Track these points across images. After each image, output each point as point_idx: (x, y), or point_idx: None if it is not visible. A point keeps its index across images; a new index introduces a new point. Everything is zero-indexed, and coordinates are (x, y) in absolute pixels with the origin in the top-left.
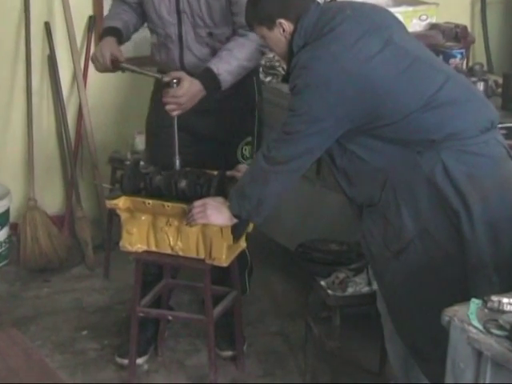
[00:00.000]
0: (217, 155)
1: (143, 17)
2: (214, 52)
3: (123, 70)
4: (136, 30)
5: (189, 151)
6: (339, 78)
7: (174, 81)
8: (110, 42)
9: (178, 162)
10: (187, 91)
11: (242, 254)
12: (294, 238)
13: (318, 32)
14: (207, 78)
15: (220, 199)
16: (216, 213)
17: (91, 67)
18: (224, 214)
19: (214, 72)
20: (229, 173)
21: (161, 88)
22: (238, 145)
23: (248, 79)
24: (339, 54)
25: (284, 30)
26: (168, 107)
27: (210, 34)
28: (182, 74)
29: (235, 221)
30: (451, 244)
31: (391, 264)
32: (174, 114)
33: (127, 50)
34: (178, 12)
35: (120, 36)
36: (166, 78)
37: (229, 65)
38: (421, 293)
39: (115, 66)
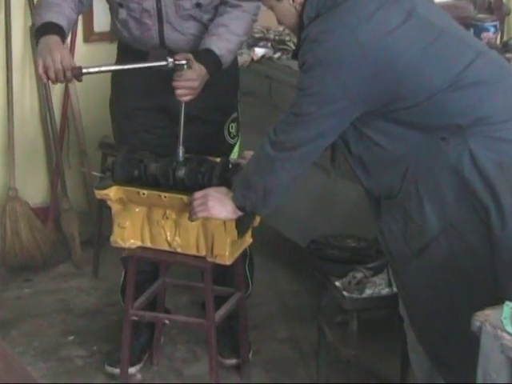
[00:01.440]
0: (201, 136)
1: (83, 6)
2: (200, 25)
3: (87, 74)
4: (73, 26)
5: (166, 133)
6: (354, 52)
7: (184, 62)
8: (58, 43)
9: (181, 153)
10: (200, 75)
11: None
12: (306, 233)
13: (331, 2)
14: (209, 60)
15: (223, 189)
16: (218, 205)
17: (79, 38)
18: (227, 207)
19: (215, 53)
20: (233, 160)
21: (150, 70)
22: (224, 123)
23: None
24: (354, 26)
25: (294, 0)
26: (180, 92)
27: (198, 5)
28: (190, 55)
29: (240, 214)
30: (479, 241)
31: (412, 263)
32: (186, 99)
33: None
34: None
35: (62, 35)
36: (179, 57)
37: (229, 43)
38: (446, 295)
39: (77, 75)
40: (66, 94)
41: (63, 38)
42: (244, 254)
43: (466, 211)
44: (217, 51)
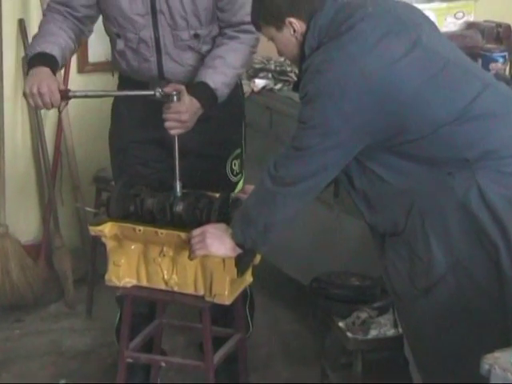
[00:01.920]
0: (201, 171)
1: (84, 34)
2: (199, 56)
3: (76, 98)
4: (71, 55)
5: (164, 167)
6: (357, 83)
7: (174, 93)
8: (46, 72)
9: (178, 187)
10: (189, 107)
11: None
12: (308, 271)
13: (333, 31)
14: (204, 94)
15: (222, 226)
16: (217, 242)
17: (73, 69)
18: (226, 244)
19: (210, 87)
20: (234, 195)
21: (147, 101)
22: (226, 159)
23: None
24: (358, 55)
25: (295, 31)
26: (168, 124)
27: (196, 36)
28: (181, 87)
29: (239, 251)
30: (489, 280)
31: (418, 303)
32: (175, 132)
33: None
34: (154, 12)
35: (55, 68)
36: (168, 89)
37: (225, 76)
38: (453, 336)
39: (65, 96)
40: (59, 126)
41: (55, 68)
42: (244, 295)
43: (475, 248)
44: (211, 84)
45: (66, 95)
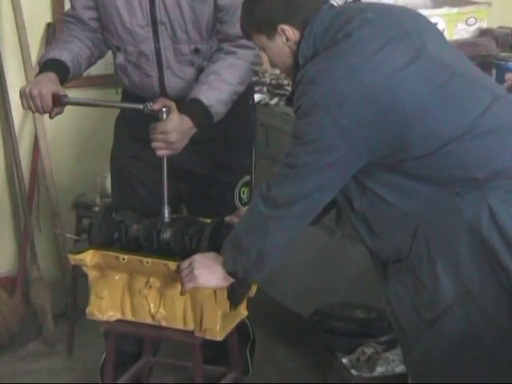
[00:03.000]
0: (207, 198)
1: (105, 44)
2: (201, 72)
3: (70, 104)
4: (91, 63)
5: (171, 193)
6: (356, 94)
7: (164, 109)
8: (49, 77)
9: (166, 212)
10: (177, 127)
11: (241, 325)
12: (308, 303)
13: (329, 39)
14: (197, 111)
15: (211, 255)
16: (206, 272)
17: None
18: (216, 274)
19: (204, 104)
20: (228, 218)
21: (137, 118)
22: (234, 186)
23: (243, 102)
24: (356, 65)
25: (288, 39)
26: (155, 145)
27: (196, 51)
28: (172, 103)
29: (231, 280)
30: (500, 310)
31: (424, 336)
32: (161, 153)
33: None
34: (154, 23)
35: (64, 73)
36: (156, 106)
37: (220, 92)
38: (461, 372)
39: (58, 102)
40: (36, 148)
41: (64, 73)
42: (246, 336)
43: (485, 275)
44: (205, 101)
45: (58, 100)
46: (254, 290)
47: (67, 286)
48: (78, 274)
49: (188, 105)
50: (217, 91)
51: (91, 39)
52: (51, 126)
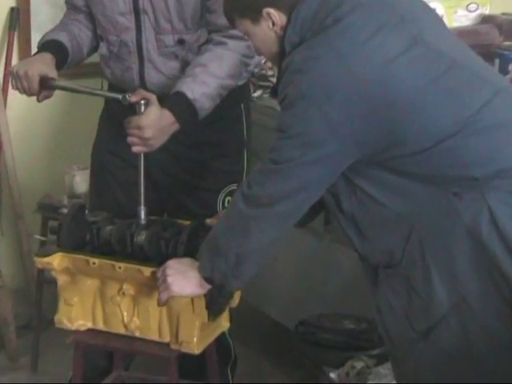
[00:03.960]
0: (188, 207)
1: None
2: (185, 66)
3: (56, 89)
4: (94, 48)
5: (151, 197)
6: (345, 85)
7: (143, 102)
8: (42, 58)
9: (142, 213)
10: (153, 122)
11: (222, 342)
12: (293, 313)
13: (318, 24)
14: (179, 105)
15: (186, 260)
16: (180, 279)
17: None
18: (191, 280)
19: (187, 97)
20: (209, 221)
21: (121, 111)
22: (217, 193)
23: (235, 105)
24: (346, 53)
25: (274, 24)
26: (129, 140)
27: (181, 42)
28: (152, 96)
29: (208, 287)
30: (498, 321)
31: (416, 348)
32: (136, 150)
33: None
34: (137, 12)
35: (62, 53)
36: (133, 98)
37: (206, 86)
38: None
39: (45, 85)
40: None
41: (63, 56)
42: (227, 354)
43: (483, 284)
44: (189, 95)
45: (45, 83)
46: (236, 299)
47: (32, 294)
48: (44, 280)
49: (170, 98)
50: (202, 85)
51: (92, 21)
52: (15, 120)
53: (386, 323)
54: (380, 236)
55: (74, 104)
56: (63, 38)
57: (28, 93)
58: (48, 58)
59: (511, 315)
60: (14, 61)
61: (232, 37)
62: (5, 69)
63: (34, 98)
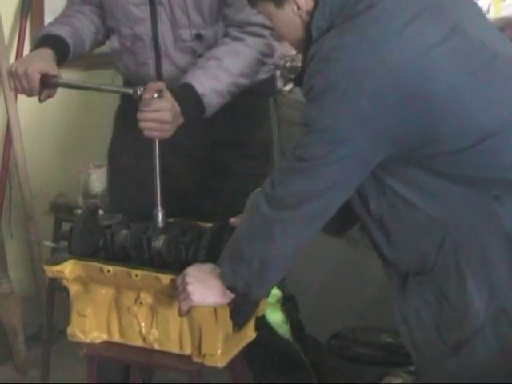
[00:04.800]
0: (209, 209)
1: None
2: None
3: (59, 86)
4: (98, 42)
5: (171, 200)
6: (379, 76)
7: (156, 95)
8: (42, 54)
9: (160, 216)
10: (172, 106)
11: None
12: (326, 325)
13: (349, 10)
14: (187, 98)
15: (207, 267)
16: (201, 288)
17: None
18: (213, 289)
19: (195, 90)
20: (233, 220)
21: (137, 108)
22: (240, 197)
23: (257, 101)
24: (380, 41)
25: (299, 7)
26: (144, 125)
27: (198, 37)
28: (163, 85)
29: (231, 296)
30: None
31: (448, 363)
32: (152, 134)
33: None
34: (152, 2)
35: (63, 49)
36: (146, 95)
37: (217, 81)
38: None
39: (46, 83)
40: (7, 138)
41: (63, 51)
42: None
43: None
44: (198, 88)
45: (45, 81)
46: (263, 307)
47: (42, 302)
48: (56, 288)
49: (179, 90)
50: (213, 79)
51: (97, 14)
52: (26, 114)
53: (413, 335)
54: (410, 241)
55: (90, 96)
56: (64, 32)
57: (28, 92)
58: (48, 53)
59: None
60: (26, 50)
61: (250, 33)
62: (16, 58)
63: None
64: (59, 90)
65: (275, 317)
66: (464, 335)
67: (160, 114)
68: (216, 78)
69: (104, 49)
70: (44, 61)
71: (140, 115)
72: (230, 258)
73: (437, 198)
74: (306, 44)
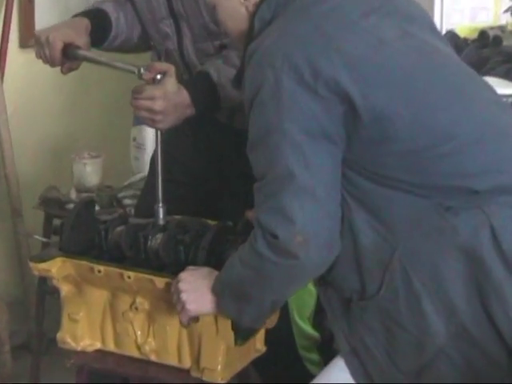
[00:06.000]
0: (224, 211)
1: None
2: None
3: (79, 59)
4: (129, 41)
5: (189, 202)
6: (334, 62)
7: (158, 76)
8: (73, 23)
9: (161, 212)
10: (169, 95)
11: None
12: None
13: (298, 3)
14: (200, 87)
15: (202, 271)
16: (195, 295)
17: (15, 42)
18: (210, 295)
19: (211, 79)
20: (250, 214)
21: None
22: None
23: None
24: (335, 34)
25: None
26: (139, 113)
27: (223, 48)
28: (170, 67)
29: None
30: (495, 345)
31: None
32: (147, 125)
33: None
34: (174, 16)
35: (103, 23)
36: (148, 75)
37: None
38: None
39: (67, 54)
40: None
41: (104, 27)
42: None
43: (478, 307)
44: (214, 77)
45: (69, 52)
46: (274, 319)
47: (31, 307)
48: (46, 291)
49: (193, 78)
50: (233, 69)
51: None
52: (14, 95)
53: (366, 367)
54: (351, 258)
55: (86, 77)
56: (110, 8)
57: (50, 62)
58: (82, 23)
59: (501, 340)
60: (14, 25)
61: None
62: (2, 35)
63: (35, 69)
64: (47, 68)
65: (311, 358)
66: (424, 359)
67: (151, 103)
68: (236, 68)
69: None
70: (71, 29)
71: (132, 102)
72: (233, 297)
73: (384, 210)
74: (247, 38)
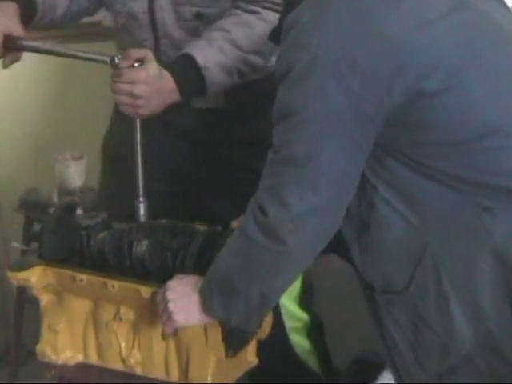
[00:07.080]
0: (217, 212)
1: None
2: None
3: (25, 50)
4: (73, 12)
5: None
6: (374, 51)
7: (136, 65)
8: (4, 9)
9: (142, 208)
10: (151, 78)
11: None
12: (344, 348)
13: None
14: (185, 70)
15: (191, 279)
16: (184, 306)
17: None
18: (198, 305)
19: (196, 63)
20: (236, 224)
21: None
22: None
23: None
24: (377, 11)
25: None
26: (116, 98)
27: (199, 16)
28: (148, 53)
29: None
30: None
31: None
32: (126, 111)
33: None
34: None
35: (29, 6)
36: (125, 63)
37: (224, 55)
38: None
39: (9, 45)
40: None
41: (28, 7)
42: None
43: (507, 315)
44: (200, 60)
45: (10, 43)
46: (266, 329)
47: (9, 317)
48: (25, 300)
49: (175, 61)
50: (219, 53)
51: None
52: None
53: (394, 359)
54: (384, 248)
55: (69, 68)
56: None
57: None
58: (12, 9)
59: None
60: None
61: (268, 8)
62: None
63: (14, 66)
64: (30, 60)
65: (302, 344)
66: (448, 364)
67: (132, 87)
68: (222, 52)
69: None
70: (6, 18)
71: (112, 86)
72: (221, 293)
73: (419, 201)
74: (284, 7)
